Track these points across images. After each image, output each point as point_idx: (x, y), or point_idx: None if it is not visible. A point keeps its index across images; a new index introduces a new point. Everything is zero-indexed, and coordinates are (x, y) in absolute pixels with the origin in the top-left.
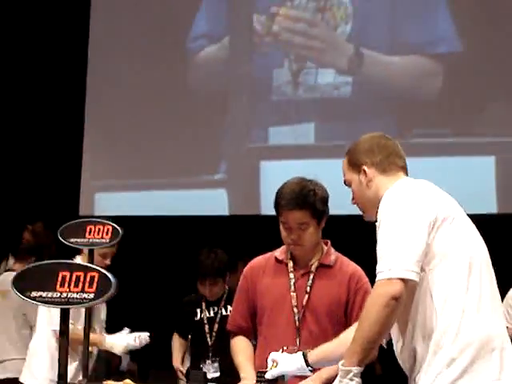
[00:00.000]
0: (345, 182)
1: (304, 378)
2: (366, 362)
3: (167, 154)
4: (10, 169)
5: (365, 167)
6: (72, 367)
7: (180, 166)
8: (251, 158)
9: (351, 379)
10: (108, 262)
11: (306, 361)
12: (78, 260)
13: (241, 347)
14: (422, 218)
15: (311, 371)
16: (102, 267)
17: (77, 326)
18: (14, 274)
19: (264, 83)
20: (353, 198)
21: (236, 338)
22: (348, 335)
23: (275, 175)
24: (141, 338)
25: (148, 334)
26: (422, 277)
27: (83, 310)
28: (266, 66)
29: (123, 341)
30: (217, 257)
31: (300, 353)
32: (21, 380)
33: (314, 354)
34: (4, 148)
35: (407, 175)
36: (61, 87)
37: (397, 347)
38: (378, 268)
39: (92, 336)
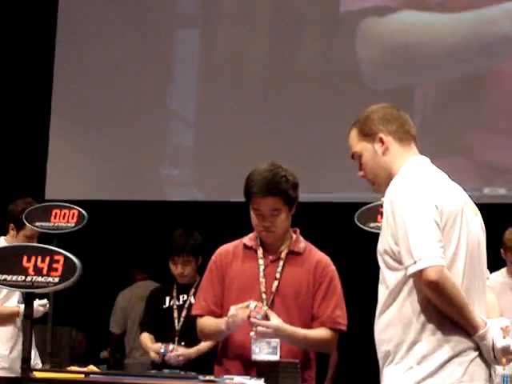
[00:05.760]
0: (352, 156)
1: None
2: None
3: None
4: None
5: (381, 135)
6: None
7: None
8: None
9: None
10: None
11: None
12: (2, 241)
13: (212, 319)
14: (433, 219)
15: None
16: None
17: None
18: None
19: None
20: (360, 170)
21: (205, 317)
22: (315, 333)
23: None
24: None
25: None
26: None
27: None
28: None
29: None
30: (192, 236)
31: None
32: None
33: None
34: None
35: (416, 144)
36: (28, 71)
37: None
38: (407, 262)
39: (10, 309)
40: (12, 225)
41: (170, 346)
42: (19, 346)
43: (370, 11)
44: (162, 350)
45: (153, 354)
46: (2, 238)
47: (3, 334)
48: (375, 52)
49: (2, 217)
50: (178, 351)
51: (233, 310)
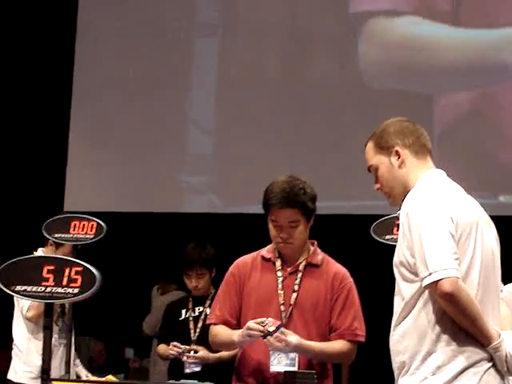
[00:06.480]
0: (369, 169)
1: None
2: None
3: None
4: None
5: (398, 148)
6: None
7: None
8: None
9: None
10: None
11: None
12: (40, 253)
13: (226, 328)
14: (449, 231)
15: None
16: None
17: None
18: None
19: None
20: (376, 183)
21: (219, 326)
22: (334, 345)
23: None
24: None
25: None
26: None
27: None
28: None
29: None
30: (205, 249)
31: None
32: None
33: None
34: None
35: (432, 157)
36: (47, 87)
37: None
38: (423, 273)
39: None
40: (51, 241)
41: (191, 352)
42: (55, 358)
43: (382, 15)
44: (181, 350)
45: (171, 351)
46: (40, 249)
47: (40, 345)
48: (391, 61)
49: (23, 228)
50: (198, 351)
51: (250, 323)
